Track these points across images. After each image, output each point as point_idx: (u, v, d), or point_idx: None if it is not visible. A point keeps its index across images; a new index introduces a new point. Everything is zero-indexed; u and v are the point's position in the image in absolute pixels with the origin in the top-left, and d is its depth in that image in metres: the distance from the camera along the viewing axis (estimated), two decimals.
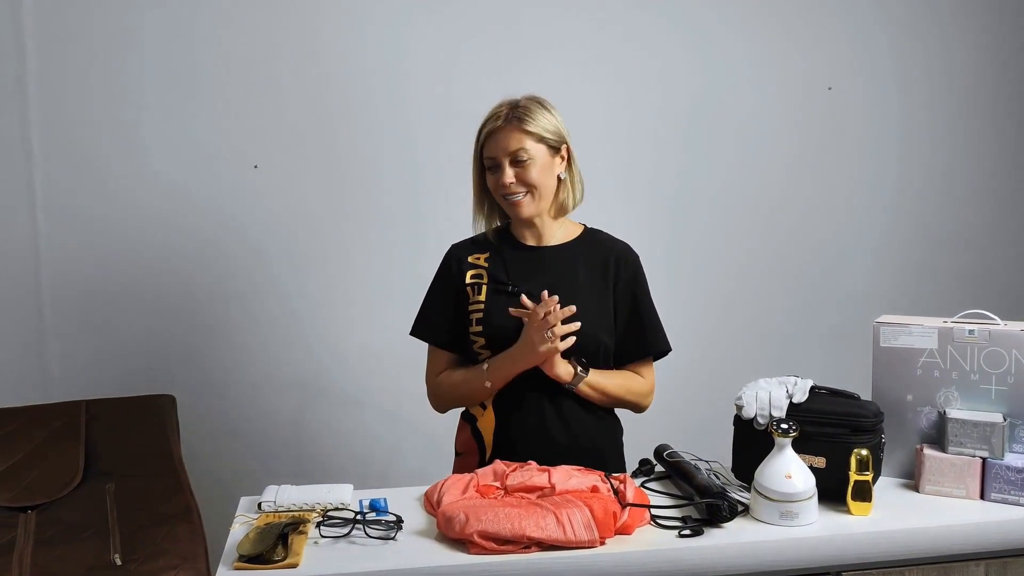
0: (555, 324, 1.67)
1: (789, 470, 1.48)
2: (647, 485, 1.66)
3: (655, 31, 2.86)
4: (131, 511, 1.89)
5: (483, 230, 1.89)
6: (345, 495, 1.54)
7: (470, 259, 1.85)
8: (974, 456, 1.58)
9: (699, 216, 2.94)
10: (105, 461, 2.04)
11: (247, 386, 2.68)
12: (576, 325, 1.69)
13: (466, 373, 1.81)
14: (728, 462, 1.68)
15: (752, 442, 1.59)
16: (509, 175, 1.75)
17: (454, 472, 1.86)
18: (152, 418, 2.17)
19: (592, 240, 1.87)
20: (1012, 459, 1.57)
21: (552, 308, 1.66)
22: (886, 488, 1.63)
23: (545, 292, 1.69)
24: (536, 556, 1.36)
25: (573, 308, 1.68)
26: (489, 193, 1.83)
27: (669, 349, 1.87)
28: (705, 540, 1.42)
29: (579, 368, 1.74)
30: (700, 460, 1.69)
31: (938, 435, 1.64)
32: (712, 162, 2.94)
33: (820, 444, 1.55)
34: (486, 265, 1.84)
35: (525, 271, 1.82)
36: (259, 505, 1.52)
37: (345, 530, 1.41)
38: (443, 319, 1.84)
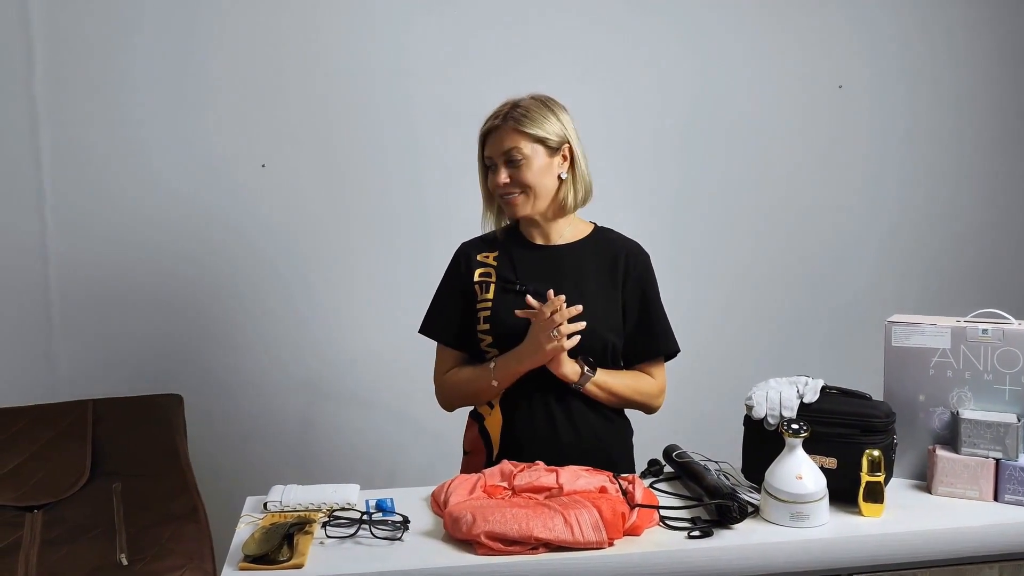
0: (561, 323, 1.65)
1: (800, 471, 1.46)
2: (656, 486, 1.65)
3: (662, 31, 2.86)
4: (137, 511, 1.89)
5: (492, 228, 1.88)
6: (351, 495, 1.53)
7: (479, 257, 1.85)
8: (987, 457, 1.56)
9: (709, 215, 2.93)
10: (112, 461, 2.04)
11: (254, 386, 2.68)
12: (582, 324, 1.68)
13: (473, 371, 1.81)
14: (738, 463, 1.67)
15: (762, 443, 1.57)
16: (503, 175, 1.75)
17: (462, 471, 1.86)
18: (159, 418, 2.17)
19: (602, 239, 1.85)
20: None
21: (558, 307, 1.65)
22: (898, 489, 1.61)
23: (551, 291, 1.68)
24: (544, 557, 1.34)
25: (579, 308, 1.67)
26: None
27: (678, 350, 1.85)
28: (715, 541, 1.40)
29: (586, 368, 1.73)
30: (710, 461, 1.67)
31: (951, 436, 1.62)
32: (721, 161, 2.93)
33: (831, 445, 1.53)
34: (494, 264, 1.83)
35: (533, 270, 1.81)
36: (265, 505, 1.51)
37: (351, 530, 1.40)
38: (451, 317, 1.84)
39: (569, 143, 1.79)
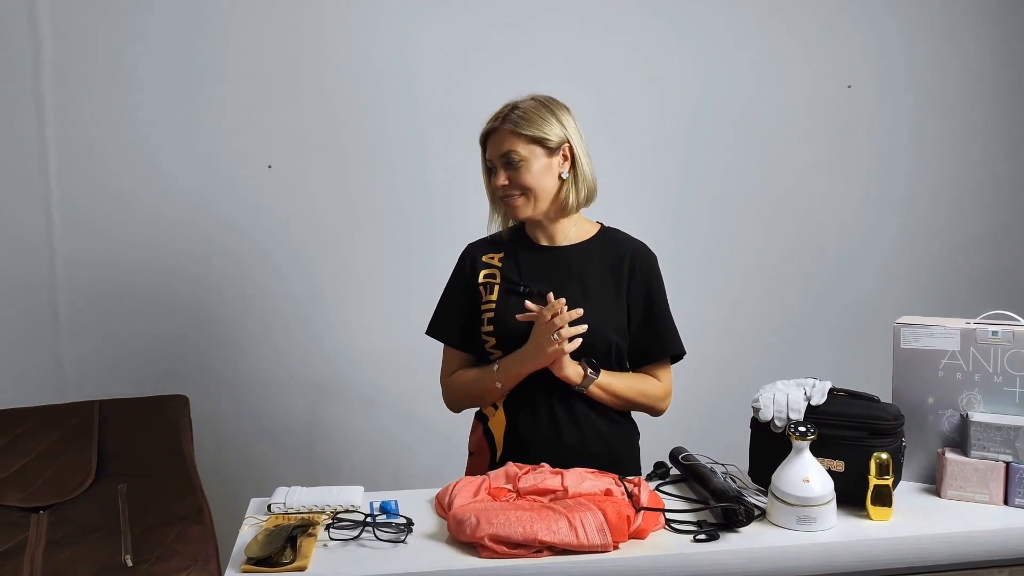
0: (562, 326, 1.64)
1: (807, 474, 1.45)
2: (662, 488, 1.64)
3: (668, 32, 2.85)
4: (143, 512, 1.88)
5: (499, 230, 1.88)
6: (355, 497, 1.52)
7: (484, 258, 1.84)
8: (997, 460, 1.54)
9: (716, 216, 2.91)
10: (117, 461, 2.04)
11: (260, 387, 2.68)
12: (583, 328, 1.67)
13: (477, 373, 1.80)
14: (745, 465, 1.65)
15: (769, 445, 1.56)
16: (501, 177, 1.75)
17: (467, 472, 1.86)
18: (165, 418, 2.16)
19: (607, 239, 1.84)
20: None
21: (559, 310, 1.64)
22: (906, 493, 1.59)
23: (551, 294, 1.67)
24: (548, 560, 1.33)
25: (580, 311, 1.66)
26: None
27: (683, 352, 1.84)
28: (720, 545, 1.39)
29: (589, 370, 1.72)
30: (716, 463, 1.66)
31: (960, 439, 1.61)
32: (728, 161, 2.91)
33: (839, 447, 1.52)
34: (499, 265, 1.83)
35: (538, 271, 1.80)
36: (269, 507, 1.50)
37: (355, 532, 1.39)
38: (457, 319, 1.83)
39: (569, 143, 1.77)
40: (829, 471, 1.49)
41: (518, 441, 1.76)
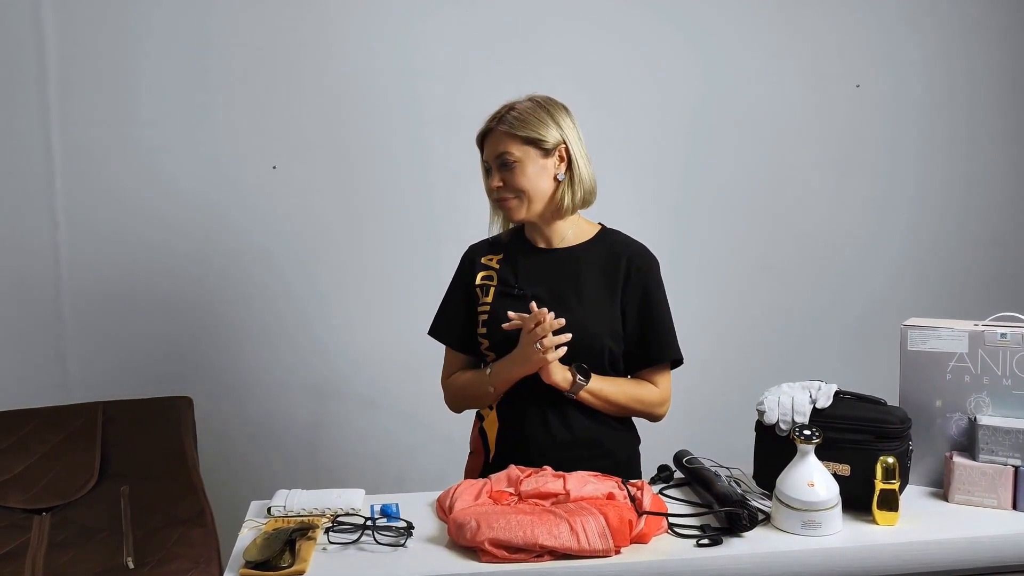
0: (544, 336, 1.63)
1: (812, 478, 1.43)
2: (665, 492, 1.62)
3: (674, 32, 2.83)
4: (145, 513, 1.88)
5: (499, 231, 1.87)
6: (356, 500, 1.51)
7: (483, 260, 1.84)
8: (1006, 464, 1.52)
9: (721, 217, 2.90)
10: (121, 463, 2.04)
11: (264, 388, 2.68)
12: (567, 336, 1.65)
13: (473, 376, 1.80)
14: (750, 469, 1.64)
15: (774, 448, 1.54)
16: (496, 179, 1.74)
17: (466, 469, 1.86)
18: (168, 420, 2.16)
19: (605, 241, 1.82)
20: None
21: (541, 320, 1.63)
22: (914, 497, 1.57)
23: (533, 304, 1.66)
24: (548, 565, 1.32)
25: (563, 320, 1.64)
26: None
27: (679, 358, 1.80)
28: (724, 550, 1.37)
29: (578, 376, 1.70)
30: (720, 467, 1.65)
31: (968, 442, 1.58)
32: (734, 162, 2.90)
33: (844, 451, 1.51)
34: (497, 267, 1.82)
35: (534, 273, 1.79)
36: (268, 509, 1.49)
37: (354, 536, 1.38)
38: (457, 320, 1.83)
39: (566, 144, 1.75)
40: (835, 475, 1.47)
41: (510, 443, 1.76)
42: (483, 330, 1.76)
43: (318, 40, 2.64)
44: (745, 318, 2.92)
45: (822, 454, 1.47)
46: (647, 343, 1.77)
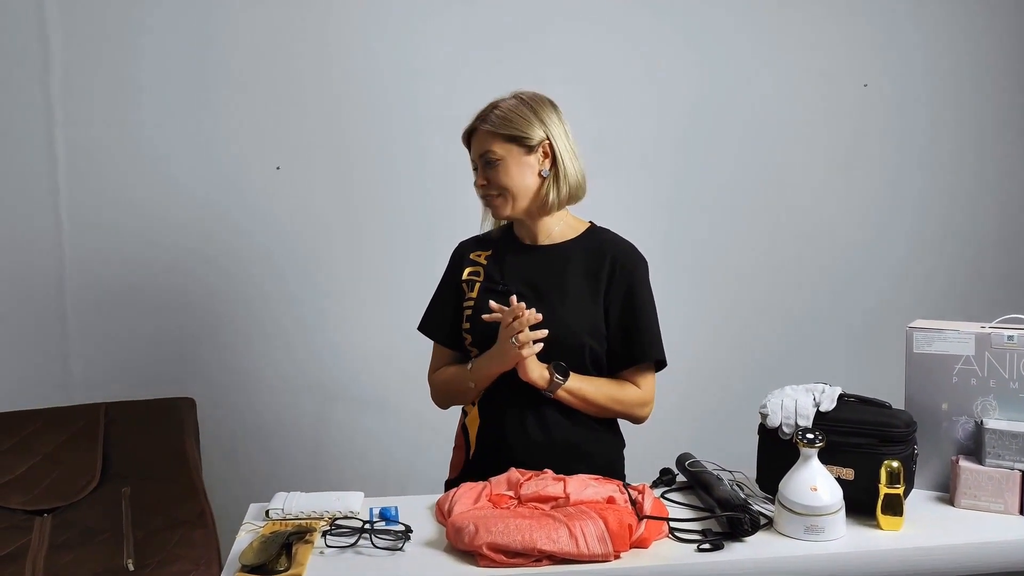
0: (521, 330, 1.62)
1: (815, 482, 1.42)
2: (667, 496, 1.61)
3: (679, 31, 2.82)
4: (146, 515, 1.88)
5: (491, 228, 1.88)
6: (355, 503, 1.50)
7: (472, 256, 1.84)
8: (1013, 469, 1.50)
9: (726, 217, 2.88)
10: (122, 464, 2.04)
11: (268, 389, 2.68)
12: (543, 332, 1.64)
13: (455, 371, 1.80)
14: (753, 472, 1.62)
15: (777, 452, 1.52)
16: (480, 178, 1.75)
17: (450, 464, 1.86)
18: (170, 421, 2.16)
19: (592, 239, 1.81)
20: None
21: (518, 314, 1.62)
22: (919, 502, 1.56)
23: (513, 297, 1.65)
24: (547, 570, 1.31)
25: (540, 316, 1.63)
26: None
27: (662, 359, 1.77)
28: (725, 555, 1.36)
29: (556, 375, 1.68)
30: (723, 470, 1.63)
31: (975, 446, 1.56)
32: (739, 161, 2.88)
33: (848, 455, 1.49)
34: (484, 263, 1.82)
35: (519, 270, 1.78)
36: (267, 512, 1.48)
37: (352, 540, 1.37)
38: (444, 316, 1.83)
39: (550, 140, 1.74)
40: (838, 479, 1.45)
41: (489, 441, 1.75)
42: (467, 325, 1.77)
43: (320, 40, 2.64)
44: (750, 320, 2.90)
45: (825, 458, 1.45)
46: (630, 343, 1.74)
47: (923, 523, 1.46)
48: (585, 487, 1.48)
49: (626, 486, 1.51)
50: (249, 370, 2.67)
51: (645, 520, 1.39)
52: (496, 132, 1.72)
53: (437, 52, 2.68)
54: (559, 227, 1.80)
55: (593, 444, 1.76)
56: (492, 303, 1.67)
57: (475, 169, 1.79)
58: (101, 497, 1.94)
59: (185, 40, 2.57)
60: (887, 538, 1.42)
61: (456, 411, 1.91)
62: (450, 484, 1.85)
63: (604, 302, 1.74)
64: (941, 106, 2.97)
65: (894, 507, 1.43)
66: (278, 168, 2.63)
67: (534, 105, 1.75)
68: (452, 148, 2.65)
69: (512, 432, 1.72)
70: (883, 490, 1.43)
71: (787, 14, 2.87)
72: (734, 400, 2.38)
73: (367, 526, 1.39)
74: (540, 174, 1.74)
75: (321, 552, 1.36)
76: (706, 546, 1.38)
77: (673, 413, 2.78)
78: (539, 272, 1.76)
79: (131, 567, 1.72)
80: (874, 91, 2.92)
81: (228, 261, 2.64)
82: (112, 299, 2.59)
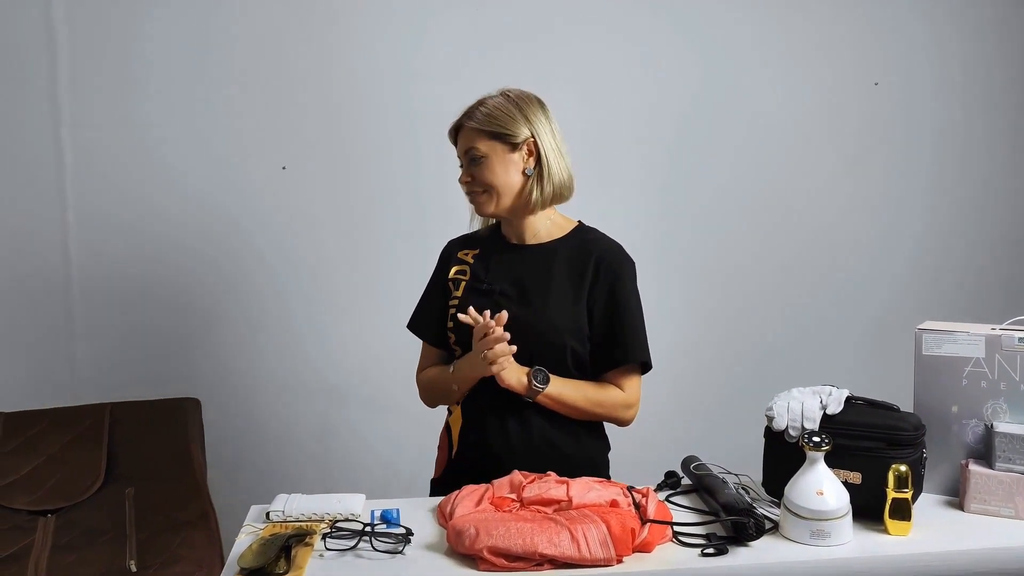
0: (490, 347, 1.61)
1: (821, 486, 1.39)
2: (672, 499, 1.59)
3: (684, 29, 2.81)
4: (149, 516, 1.88)
5: (478, 225, 1.88)
6: (356, 505, 1.49)
7: (459, 255, 1.84)
8: (1023, 473, 1.47)
9: (733, 218, 2.86)
10: (126, 465, 2.04)
11: (274, 389, 2.68)
12: (514, 348, 1.62)
13: (439, 372, 1.80)
14: (759, 476, 1.60)
15: (783, 455, 1.50)
16: (464, 175, 1.75)
17: (436, 462, 1.86)
18: (175, 422, 2.17)
19: (578, 239, 1.79)
20: None
21: (488, 331, 1.61)
22: (928, 506, 1.53)
23: (486, 313, 1.63)
24: (549, 574, 1.29)
25: (505, 315, 1.62)
26: None
27: (647, 361, 1.75)
28: (729, 560, 1.34)
29: (535, 383, 1.65)
30: (729, 473, 1.61)
31: (985, 450, 1.54)
32: (748, 161, 2.86)
33: (855, 458, 1.46)
34: (471, 262, 1.81)
35: (504, 269, 1.77)
36: (267, 514, 1.47)
37: (352, 543, 1.36)
38: (431, 315, 1.83)
39: (535, 138, 1.72)
40: (845, 483, 1.43)
41: (471, 441, 1.75)
42: (451, 324, 1.76)
43: (325, 40, 2.64)
44: (757, 321, 2.88)
45: (832, 461, 1.43)
46: (613, 344, 1.72)
47: (932, 528, 1.44)
48: (588, 490, 1.47)
49: (630, 489, 1.49)
50: (255, 371, 2.67)
51: (648, 524, 1.37)
52: (481, 129, 1.71)
53: (439, 52, 2.68)
54: (546, 226, 1.79)
55: (575, 446, 1.74)
56: (471, 308, 1.66)
57: (461, 166, 1.78)
58: (105, 498, 1.95)
59: (190, 41, 2.58)
60: (895, 543, 1.39)
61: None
62: (435, 483, 1.85)
63: (588, 302, 1.72)
64: (950, 105, 2.94)
65: (902, 512, 1.41)
66: (284, 168, 2.63)
67: (520, 103, 1.74)
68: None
69: (493, 433, 1.72)
70: (891, 494, 1.41)
71: (795, 12, 2.84)
72: (741, 402, 2.36)
73: (367, 529, 1.37)
74: (524, 172, 1.73)
75: (321, 555, 1.35)
76: (710, 551, 1.35)
77: (680, 415, 2.77)
78: (524, 271, 1.75)
79: (134, 568, 1.72)
80: (883, 90, 2.89)
81: (234, 262, 2.64)
82: (118, 299, 2.59)
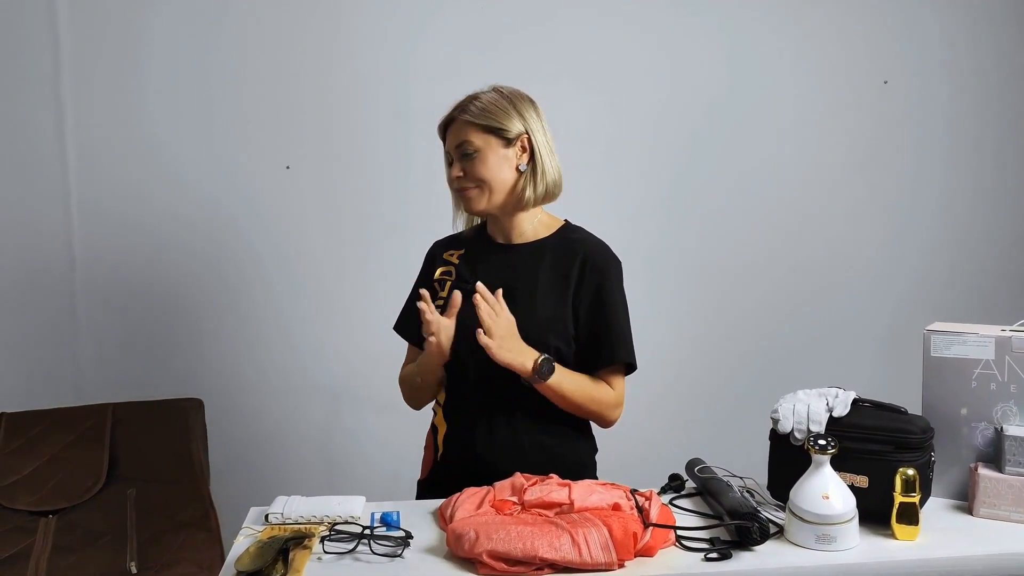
0: (427, 323, 1.63)
1: (827, 490, 1.37)
2: (675, 502, 1.57)
3: (692, 26, 2.79)
4: (150, 517, 1.88)
5: (463, 224, 1.85)
6: (356, 508, 1.47)
7: (445, 255, 1.82)
8: None
9: (741, 218, 2.84)
10: (128, 465, 2.04)
11: (278, 390, 2.68)
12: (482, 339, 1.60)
13: (410, 368, 1.80)
14: (765, 479, 1.58)
15: (789, 458, 1.48)
16: (456, 169, 1.72)
17: (423, 463, 1.84)
18: (177, 422, 2.16)
19: (564, 238, 1.77)
20: None
21: (423, 307, 1.62)
22: (936, 510, 1.51)
23: (423, 291, 1.65)
24: None
25: (425, 293, 1.63)
26: None
27: (632, 362, 1.73)
28: (733, 564, 1.32)
29: (540, 371, 1.61)
30: (733, 476, 1.59)
31: (995, 453, 1.51)
32: (756, 160, 2.84)
33: (862, 462, 1.44)
34: (457, 262, 1.80)
35: (490, 270, 1.75)
36: (266, 517, 1.46)
37: (350, 546, 1.34)
38: (415, 316, 1.78)
39: (528, 135, 1.71)
40: (852, 487, 1.41)
41: (456, 443, 1.74)
42: None
43: (328, 40, 2.63)
44: (763, 322, 2.85)
45: (838, 465, 1.41)
46: (598, 344, 1.70)
47: (940, 533, 1.42)
48: (590, 493, 1.45)
49: (633, 492, 1.48)
50: (259, 371, 2.66)
51: (651, 528, 1.36)
52: (475, 122, 1.69)
53: (444, 51, 2.67)
54: (532, 225, 1.77)
55: (562, 447, 1.73)
56: (422, 291, 1.65)
57: (449, 162, 1.76)
58: (106, 498, 1.94)
59: (193, 39, 2.58)
60: (902, 548, 1.37)
61: None
62: (421, 484, 1.84)
63: (573, 302, 1.71)
64: (961, 104, 2.91)
65: (909, 516, 1.39)
66: (288, 168, 2.62)
67: (513, 99, 1.73)
68: None
69: (478, 434, 1.70)
70: (898, 498, 1.39)
71: (804, 9, 2.82)
72: (747, 404, 2.34)
73: (366, 532, 1.36)
74: (517, 168, 1.72)
75: (319, 558, 1.33)
76: (713, 555, 1.34)
77: (684, 417, 2.76)
78: (510, 272, 1.73)
79: (134, 569, 1.72)
80: (893, 89, 2.86)
81: (238, 263, 2.64)
82: (121, 300, 2.59)
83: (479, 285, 1.63)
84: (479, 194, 1.71)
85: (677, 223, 2.78)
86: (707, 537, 1.39)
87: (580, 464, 1.76)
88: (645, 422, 2.66)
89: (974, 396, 1.54)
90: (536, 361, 1.62)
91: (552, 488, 1.47)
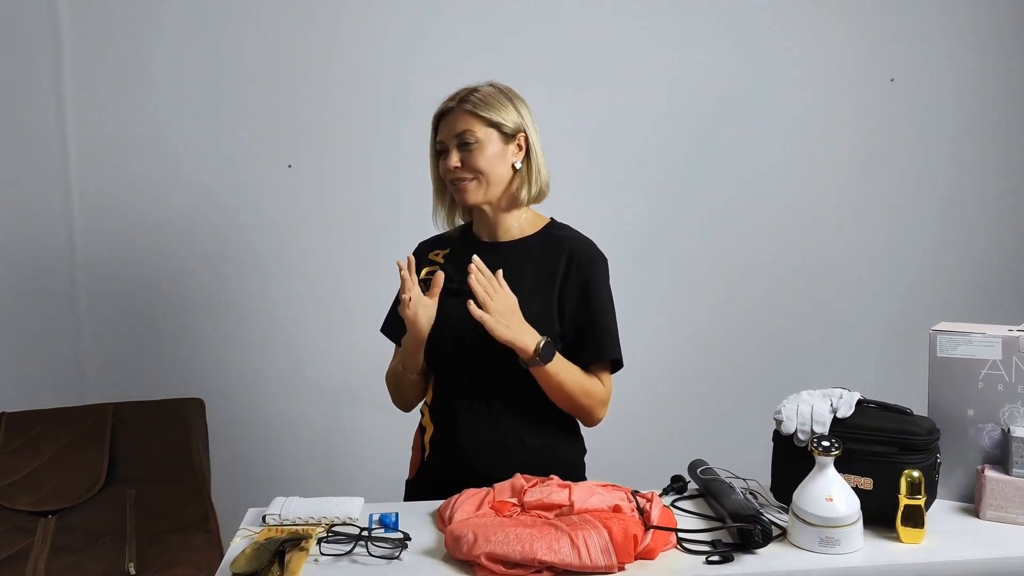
0: (404, 285, 1.63)
1: (830, 492, 1.35)
2: (677, 504, 1.55)
3: (696, 24, 2.78)
4: (150, 518, 1.87)
5: (444, 222, 1.84)
6: (354, 509, 1.46)
7: (430, 256, 1.82)
8: None
9: (745, 217, 2.82)
10: (128, 465, 2.04)
11: (280, 390, 2.67)
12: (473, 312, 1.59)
13: (394, 364, 1.80)
14: (768, 480, 1.56)
15: (792, 460, 1.46)
16: (455, 158, 1.69)
17: (411, 463, 1.83)
18: (178, 422, 2.15)
19: (549, 236, 1.76)
20: None
21: (402, 266, 1.64)
22: (942, 513, 1.49)
23: (401, 259, 1.65)
24: None
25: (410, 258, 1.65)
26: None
27: (618, 359, 1.72)
28: (734, 567, 1.30)
29: (541, 354, 1.60)
30: (736, 478, 1.57)
31: (1001, 455, 1.49)
32: (761, 158, 2.83)
33: (867, 464, 1.42)
34: (441, 262, 1.79)
35: None
36: (263, 518, 1.45)
37: (347, 547, 1.33)
38: (400, 318, 1.78)
39: (525, 133, 1.71)
40: (856, 489, 1.39)
41: (442, 443, 1.73)
42: None
43: (330, 39, 2.63)
44: (769, 324, 2.84)
45: (842, 466, 1.39)
46: (583, 341, 1.69)
47: (945, 535, 1.40)
48: (591, 495, 1.43)
49: (634, 493, 1.46)
50: (260, 372, 2.66)
51: (652, 530, 1.34)
52: (478, 114, 1.68)
53: (448, 48, 2.66)
54: (518, 223, 1.77)
55: (550, 447, 1.72)
56: (409, 255, 1.66)
57: (439, 152, 1.74)
58: (106, 499, 1.94)
59: (195, 38, 2.57)
60: (907, 551, 1.35)
61: None
62: (409, 484, 1.84)
63: (559, 299, 1.70)
64: (967, 102, 2.89)
65: (914, 519, 1.37)
66: (290, 166, 2.62)
67: (510, 95, 1.74)
68: None
69: (464, 434, 1.70)
70: (903, 501, 1.37)
71: (809, 6, 2.80)
72: (750, 405, 2.33)
73: (364, 533, 1.34)
74: (513, 166, 1.71)
75: (316, 560, 1.32)
76: (715, 558, 1.32)
77: (687, 417, 2.74)
78: (495, 270, 1.70)
79: (133, 570, 1.71)
80: (899, 86, 2.84)
81: (239, 262, 2.64)
82: (123, 300, 2.59)
83: (475, 258, 1.62)
84: (476, 186, 1.69)
85: (678, 222, 2.76)
86: (709, 539, 1.38)
87: (569, 465, 1.75)
88: (648, 422, 2.65)
89: (981, 397, 1.52)
90: (538, 343, 1.61)
91: (552, 490, 1.45)
